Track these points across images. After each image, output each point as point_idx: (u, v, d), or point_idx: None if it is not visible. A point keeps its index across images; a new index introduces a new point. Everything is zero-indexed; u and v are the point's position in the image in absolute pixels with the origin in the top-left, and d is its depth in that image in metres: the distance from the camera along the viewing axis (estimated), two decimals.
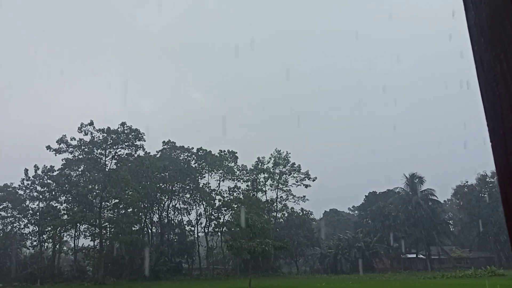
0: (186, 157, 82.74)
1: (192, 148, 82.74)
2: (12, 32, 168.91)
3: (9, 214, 78.39)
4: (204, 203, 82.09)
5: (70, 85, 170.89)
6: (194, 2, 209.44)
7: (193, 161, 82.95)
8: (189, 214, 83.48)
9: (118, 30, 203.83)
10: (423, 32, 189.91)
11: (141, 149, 70.71)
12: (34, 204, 77.03)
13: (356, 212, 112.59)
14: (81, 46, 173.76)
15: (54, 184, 72.46)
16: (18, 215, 78.00)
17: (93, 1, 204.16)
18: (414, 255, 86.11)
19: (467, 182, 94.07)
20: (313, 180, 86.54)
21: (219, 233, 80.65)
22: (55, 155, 68.28)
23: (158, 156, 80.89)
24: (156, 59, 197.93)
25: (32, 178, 75.11)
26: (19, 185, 76.00)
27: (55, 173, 72.97)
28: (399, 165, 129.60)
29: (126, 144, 69.11)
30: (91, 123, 68.30)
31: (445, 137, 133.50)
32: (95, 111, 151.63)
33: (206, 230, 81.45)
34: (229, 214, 79.44)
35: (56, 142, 67.66)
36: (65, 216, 68.64)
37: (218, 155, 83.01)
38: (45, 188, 73.79)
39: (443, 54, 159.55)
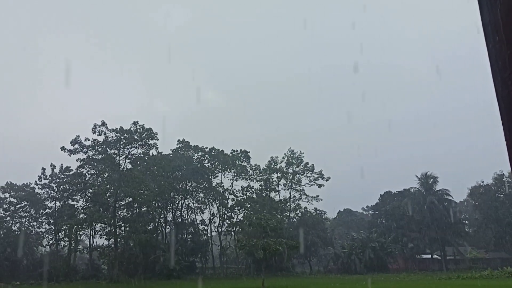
0: (199, 156, 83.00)
1: (206, 147, 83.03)
2: (23, 32, 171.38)
3: (27, 214, 79.57)
4: (217, 202, 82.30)
5: (85, 86, 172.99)
6: (205, 3, 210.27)
7: (206, 160, 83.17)
8: (203, 214, 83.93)
9: (134, 30, 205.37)
10: (436, 28, 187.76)
11: (154, 148, 71.26)
12: (51, 203, 78.16)
13: (370, 212, 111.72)
14: (97, 46, 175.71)
15: (70, 184, 73.33)
16: (34, 214, 79.12)
17: (110, 2, 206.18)
18: (429, 256, 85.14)
19: (483, 182, 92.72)
20: (327, 180, 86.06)
21: (232, 233, 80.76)
22: (69, 155, 69.17)
23: (172, 155, 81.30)
24: (170, 59, 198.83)
25: (49, 178, 76.36)
26: (36, 182, 77.29)
27: (71, 173, 73.96)
28: (415, 164, 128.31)
29: (139, 143, 69.62)
30: (104, 123, 68.96)
31: (459, 137, 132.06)
32: (111, 111, 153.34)
33: (220, 230, 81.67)
34: (242, 214, 79.53)
35: (70, 143, 68.57)
36: (82, 215, 69.35)
37: (230, 154, 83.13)
38: (61, 187, 74.80)
39: (457, 51, 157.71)
